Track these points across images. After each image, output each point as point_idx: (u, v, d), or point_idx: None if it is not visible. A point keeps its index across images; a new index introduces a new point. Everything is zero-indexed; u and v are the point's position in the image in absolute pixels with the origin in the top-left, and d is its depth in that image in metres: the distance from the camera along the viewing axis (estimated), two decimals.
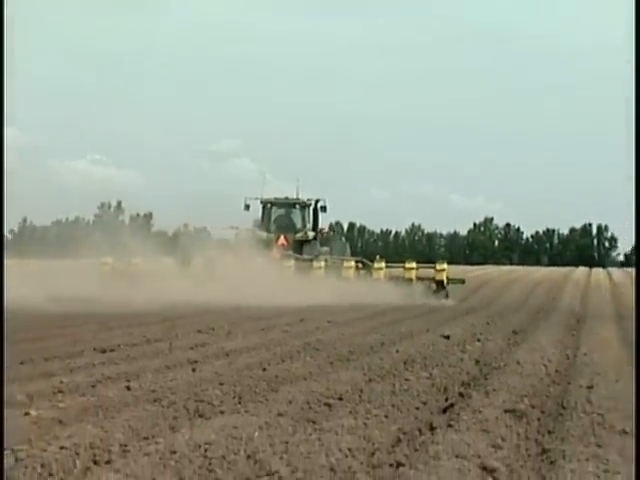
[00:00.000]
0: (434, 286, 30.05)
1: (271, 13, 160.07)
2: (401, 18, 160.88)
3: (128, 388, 8.12)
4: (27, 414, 6.74)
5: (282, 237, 32.48)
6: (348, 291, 26.00)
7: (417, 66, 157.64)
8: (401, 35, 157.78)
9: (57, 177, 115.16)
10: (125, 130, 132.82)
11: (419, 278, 30.82)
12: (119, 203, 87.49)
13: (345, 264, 30.67)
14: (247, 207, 33.28)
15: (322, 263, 30.09)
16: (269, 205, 33.72)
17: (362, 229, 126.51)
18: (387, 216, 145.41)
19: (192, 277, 26.59)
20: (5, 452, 4.97)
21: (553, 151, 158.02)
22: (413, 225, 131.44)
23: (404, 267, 31.39)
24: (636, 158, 4.61)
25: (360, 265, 31.91)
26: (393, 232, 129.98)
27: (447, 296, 29.30)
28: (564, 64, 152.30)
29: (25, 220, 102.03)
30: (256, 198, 33.49)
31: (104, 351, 11.14)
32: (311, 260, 30.41)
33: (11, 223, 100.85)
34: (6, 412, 6.80)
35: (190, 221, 40.33)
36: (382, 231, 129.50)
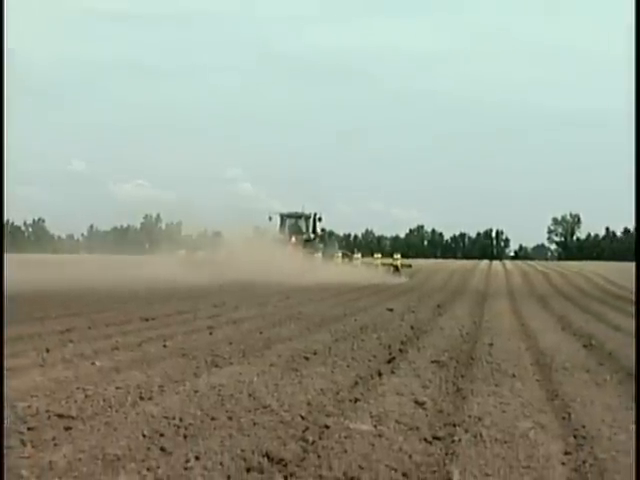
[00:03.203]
0: (392, 269, 33.96)
1: (265, 80, 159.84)
2: (354, 81, 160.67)
3: (164, 346, 8.08)
4: (93, 364, 6.69)
5: (293, 237, 34.41)
6: (337, 272, 28.78)
7: (372, 121, 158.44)
8: (364, 93, 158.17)
9: (113, 196, 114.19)
10: (160, 163, 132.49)
11: (382, 264, 34.82)
12: (158, 215, 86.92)
13: (335, 255, 34.29)
14: (270, 218, 35.61)
15: (320, 254, 33.14)
16: (284, 217, 36.09)
17: (331, 233, 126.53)
18: (349, 224, 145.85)
19: (222, 265, 27.52)
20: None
21: (465, 177, 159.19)
22: (367, 230, 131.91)
23: (373, 257, 36.31)
24: (636, 159, 4.35)
25: (344, 256, 35.39)
26: (353, 235, 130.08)
27: (400, 275, 32.82)
28: (482, 103, 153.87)
29: (92, 227, 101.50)
30: (276, 213, 36.11)
31: (147, 320, 11.07)
32: (313, 253, 32.92)
33: (82, 228, 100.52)
34: (79, 364, 6.77)
35: (209, 228, 40.70)
36: (344, 235, 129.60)
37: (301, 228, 35.99)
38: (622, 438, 4.41)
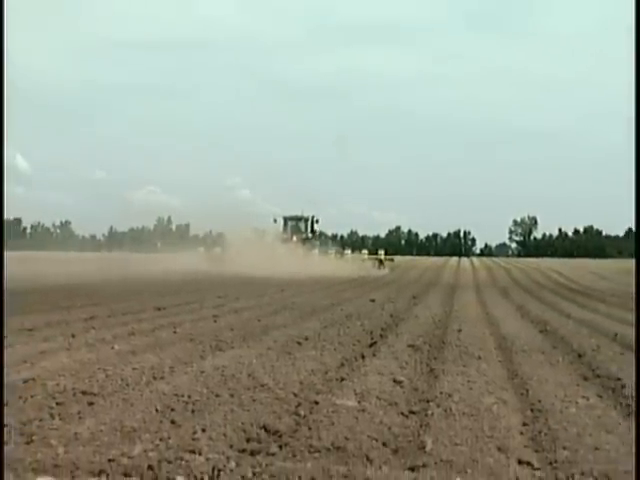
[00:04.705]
0: (377, 263, 35.87)
1: (262, 101, 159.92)
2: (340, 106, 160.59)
3: (174, 332, 8.06)
4: (112, 348, 6.67)
5: (294, 237, 35.68)
6: (330, 265, 29.74)
7: (356, 135, 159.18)
8: (352, 112, 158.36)
9: (128, 201, 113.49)
10: (169, 172, 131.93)
11: (369, 259, 36.76)
12: (169, 217, 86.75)
13: (329, 251, 35.78)
14: (275, 220, 37.06)
15: (317, 251, 34.53)
16: (287, 219, 37.42)
17: (321, 233, 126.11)
18: (336, 225, 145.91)
19: (233, 261, 28.19)
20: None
21: (437, 184, 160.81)
22: (351, 231, 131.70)
23: (360, 253, 38.06)
24: (636, 159, 4.08)
25: (337, 252, 36.79)
26: (339, 235, 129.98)
27: (384, 268, 34.83)
28: (453, 120, 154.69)
29: (111, 228, 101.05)
30: (280, 216, 37.51)
31: (159, 309, 11.03)
32: (310, 250, 34.08)
33: (103, 229, 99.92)
34: (100, 347, 6.75)
35: (213, 229, 41.08)
36: (332, 234, 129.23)
37: (301, 228, 37.04)
38: (572, 411, 4.44)
